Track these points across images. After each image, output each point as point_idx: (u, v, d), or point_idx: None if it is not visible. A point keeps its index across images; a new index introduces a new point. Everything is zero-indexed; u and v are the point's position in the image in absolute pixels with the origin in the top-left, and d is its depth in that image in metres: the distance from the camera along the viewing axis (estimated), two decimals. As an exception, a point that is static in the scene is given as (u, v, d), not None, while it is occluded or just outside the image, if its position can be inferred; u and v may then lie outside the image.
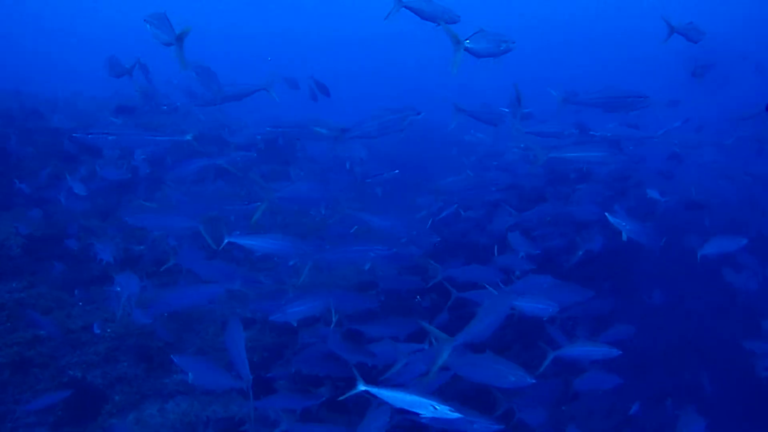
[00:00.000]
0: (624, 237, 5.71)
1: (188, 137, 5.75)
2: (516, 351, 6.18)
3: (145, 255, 7.00)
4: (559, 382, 5.75)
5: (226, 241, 4.98)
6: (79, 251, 6.88)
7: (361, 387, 3.71)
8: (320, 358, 5.07)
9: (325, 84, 10.15)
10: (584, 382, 5.56)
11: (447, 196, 7.70)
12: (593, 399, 6.62)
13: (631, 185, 7.77)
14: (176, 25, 5.33)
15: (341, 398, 3.99)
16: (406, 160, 10.56)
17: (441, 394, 3.78)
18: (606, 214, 5.73)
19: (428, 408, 3.53)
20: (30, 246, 6.78)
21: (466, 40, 5.05)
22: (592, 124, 7.48)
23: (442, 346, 3.79)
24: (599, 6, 39.14)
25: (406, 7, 5.29)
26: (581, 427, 6.01)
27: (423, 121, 5.61)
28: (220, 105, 7.70)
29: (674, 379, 7.55)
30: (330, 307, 4.99)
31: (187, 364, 4.78)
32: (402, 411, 3.73)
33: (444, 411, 3.52)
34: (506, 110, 6.68)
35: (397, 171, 7.70)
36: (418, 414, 3.59)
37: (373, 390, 3.67)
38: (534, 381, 4.06)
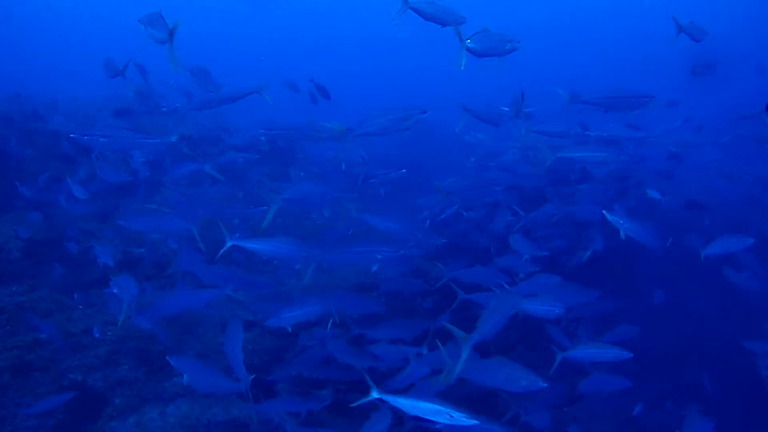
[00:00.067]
0: (622, 235, 5.69)
1: (173, 138, 5.71)
2: (520, 352, 6.18)
3: (144, 258, 6.99)
4: (565, 385, 5.74)
5: (229, 244, 4.90)
6: (79, 254, 6.87)
7: (375, 394, 3.68)
8: (322, 361, 5.07)
9: (325, 87, 10.15)
10: (591, 385, 5.54)
11: (448, 196, 7.67)
12: (595, 400, 6.60)
13: (631, 185, 7.76)
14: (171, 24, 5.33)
15: (354, 404, 3.95)
16: (406, 160, 10.54)
17: (444, 397, 3.77)
18: (604, 212, 5.71)
19: (444, 415, 3.50)
20: (30, 249, 6.77)
21: (467, 39, 5.04)
22: (593, 125, 7.48)
23: (462, 344, 3.79)
24: (599, 6, 39.13)
25: (411, 8, 5.28)
26: (583, 429, 6.00)
27: (423, 121, 5.60)
28: (213, 108, 7.64)
29: (676, 380, 7.54)
30: (328, 312, 4.96)
31: (184, 365, 4.77)
32: (417, 418, 3.69)
33: (460, 418, 3.49)
34: (507, 109, 6.67)
35: (404, 170, 7.60)
36: (433, 422, 3.56)
37: (387, 398, 3.63)
38: (546, 385, 4.05)
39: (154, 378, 5.63)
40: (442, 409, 3.50)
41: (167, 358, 4.75)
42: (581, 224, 6.71)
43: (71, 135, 5.49)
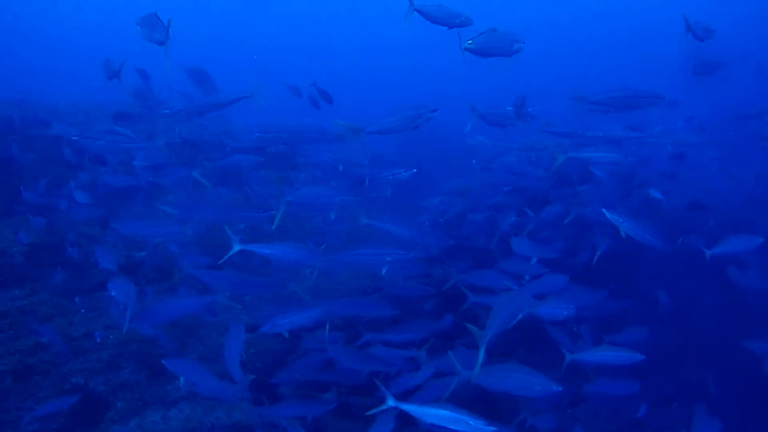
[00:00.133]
0: (622, 234, 5.66)
1: (160, 143, 5.72)
2: (522, 354, 6.15)
3: (146, 261, 6.99)
4: (569, 386, 5.72)
5: (237, 248, 4.84)
6: (81, 259, 6.87)
7: (391, 403, 3.66)
8: (324, 365, 5.04)
9: (327, 90, 10.15)
10: (598, 388, 5.51)
11: (459, 197, 7.67)
12: (599, 401, 6.57)
13: (635, 186, 7.74)
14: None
15: (370, 413, 3.94)
16: (406, 162, 10.54)
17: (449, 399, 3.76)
18: (603, 210, 5.68)
19: (463, 423, 3.48)
20: (32, 253, 6.77)
21: (469, 41, 5.05)
22: (592, 125, 7.47)
23: (479, 341, 3.82)
24: (599, 7, 39.17)
25: (417, 11, 5.30)
26: (588, 431, 5.97)
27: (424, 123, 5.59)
28: (206, 114, 7.61)
29: (679, 380, 7.50)
30: (325, 317, 4.91)
31: (180, 368, 4.75)
32: (434, 426, 3.66)
33: (479, 426, 3.47)
34: (510, 108, 6.67)
35: (415, 170, 7.51)
36: (452, 430, 3.54)
37: (404, 406, 3.62)
38: (560, 389, 4.03)
39: (156, 381, 5.62)
40: (461, 417, 3.48)
41: (162, 361, 4.72)
42: (585, 225, 6.68)
43: (73, 137, 5.51)
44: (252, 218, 6.23)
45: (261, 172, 9.16)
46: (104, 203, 7.91)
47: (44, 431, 5.08)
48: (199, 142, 9.96)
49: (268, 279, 6.11)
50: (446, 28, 5.37)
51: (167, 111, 8.94)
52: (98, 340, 5.64)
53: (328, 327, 5.18)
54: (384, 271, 5.27)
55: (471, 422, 3.47)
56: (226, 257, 4.90)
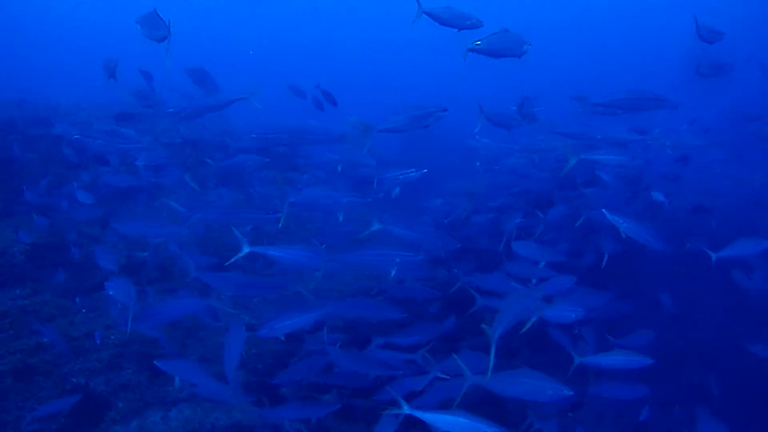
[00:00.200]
0: (623, 234, 5.64)
1: (144, 142, 5.71)
2: (526, 356, 6.13)
3: (148, 261, 6.97)
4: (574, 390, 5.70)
5: (246, 250, 4.79)
6: (82, 258, 6.86)
7: (406, 410, 3.65)
8: (325, 367, 5.01)
9: (331, 93, 10.10)
10: (606, 391, 5.48)
11: (456, 199, 7.63)
12: (601, 404, 6.55)
13: (641, 188, 7.72)
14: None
15: (386, 414, 3.93)
16: (408, 162, 10.50)
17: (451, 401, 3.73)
18: (603, 210, 5.66)
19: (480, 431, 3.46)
20: (33, 253, 6.76)
21: (478, 41, 5.05)
22: (594, 127, 7.45)
23: (490, 339, 3.87)
24: (599, 7, 39.18)
25: (426, 14, 5.28)
26: (590, 433, 5.95)
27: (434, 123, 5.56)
28: (203, 116, 7.57)
29: (682, 383, 7.47)
30: (321, 321, 4.86)
31: (174, 368, 4.71)
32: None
33: None
34: (514, 108, 6.66)
35: (425, 170, 7.46)
36: None
37: (419, 414, 3.60)
38: (572, 393, 4.01)
39: (156, 382, 5.59)
40: (478, 425, 3.45)
41: (155, 362, 4.67)
42: (590, 228, 6.66)
43: (74, 136, 5.51)
44: (260, 219, 6.18)
45: (263, 172, 9.15)
46: (106, 203, 7.91)
47: (45, 431, 5.05)
48: (199, 142, 9.95)
49: (272, 280, 6.08)
50: (456, 30, 5.35)
51: (171, 110, 8.92)
52: (98, 342, 5.61)
53: (326, 330, 5.15)
54: (393, 272, 5.20)
55: (488, 430, 3.44)
56: (233, 259, 4.85)
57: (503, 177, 7.92)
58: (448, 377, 4.55)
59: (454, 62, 5.33)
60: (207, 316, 5.39)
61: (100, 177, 8.13)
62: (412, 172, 6.74)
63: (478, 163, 9.37)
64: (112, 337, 5.74)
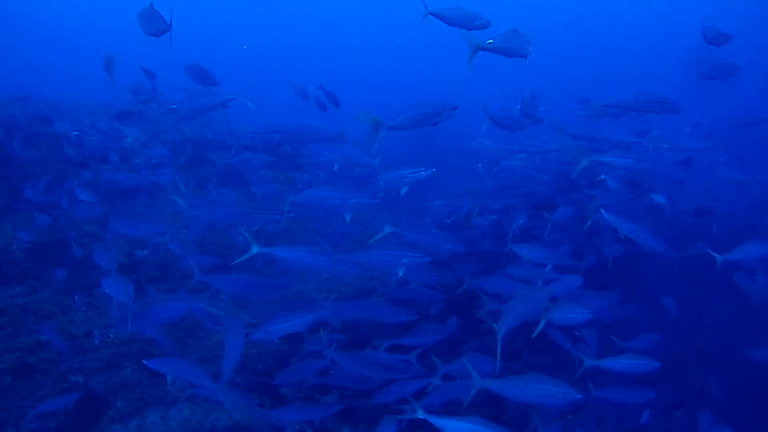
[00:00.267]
0: (621, 235, 5.60)
1: (128, 140, 5.68)
2: (527, 357, 6.11)
3: (147, 260, 6.95)
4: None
5: (255, 251, 4.77)
6: (82, 257, 6.84)
7: (420, 415, 3.64)
8: (325, 369, 4.98)
9: (334, 94, 10.08)
10: (612, 395, 5.46)
11: (457, 200, 7.61)
12: (602, 406, 6.53)
13: (644, 191, 7.70)
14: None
15: (401, 419, 3.93)
16: (407, 163, 10.47)
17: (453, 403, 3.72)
18: (602, 211, 5.62)
19: None
20: (33, 251, 6.74)
21: (489, 40, 5.05)
22: (595, 129, 7.43)
23: (497, 333, 3.95)
24: (600, 8, 39.16)
25: (434, 15, 5.26)
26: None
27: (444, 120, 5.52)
28: (198, 117, 7.54)
29: (683, 386, 7.46)
30: (317, 324, 4.82)
31: (163, 366, 4.66)
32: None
33: None
34: (518, 107, 6.65)
35: (434, 169, 7.42)
36: None
37: (431, 419, 3.57)
38: (581, 396, 4.00)
39: (156, 381, 5.57)
40: (490, 431, 3.43)
41: (143, 362, 4.59)
42: (593, 230, 6.63)
43: (74, 133, 5.51)
44: (268, 219, 6.15)
45: (262, 172, 9.13)
46: (107, 201, 7.89)
47: (43, 429, 5.03)
48: (202, 141, 9.94)
49: (273, 280, 6.05)
50: (466, 30, 5.33)
51: (174, 106, 8.92)
52: (96, 342, 5.59)
53: (328, 330, 5.12)
54: (401, 273, 5.16)
55: None
56: (240, 259, 4.82)
57: (505, 179, 7.89)
58: (446, 380, 4.53)
59: (453, 62, 5.32)
60: (208, 321, 5.36)
61: (101, 175, 8.12)
62: (421, 171, 6.68)
63: (480, 165, 9.34)
64: (112, 336, 5.73)
